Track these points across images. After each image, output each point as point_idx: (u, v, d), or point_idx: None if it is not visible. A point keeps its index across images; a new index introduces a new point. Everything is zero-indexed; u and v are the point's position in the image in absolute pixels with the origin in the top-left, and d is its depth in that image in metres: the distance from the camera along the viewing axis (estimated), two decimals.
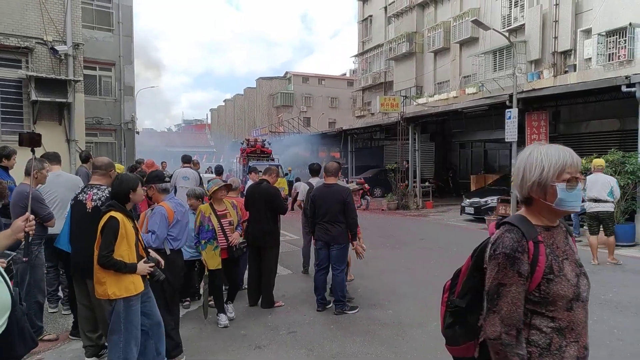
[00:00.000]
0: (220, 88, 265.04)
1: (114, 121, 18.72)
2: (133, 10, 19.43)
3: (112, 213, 3.53)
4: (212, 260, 5.23)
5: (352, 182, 17.41)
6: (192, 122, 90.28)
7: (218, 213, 5.36)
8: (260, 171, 10.18)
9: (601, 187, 8.47)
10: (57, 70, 10.39)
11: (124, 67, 18.85)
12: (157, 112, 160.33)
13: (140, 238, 3.77)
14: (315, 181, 7.49)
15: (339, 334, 5.10)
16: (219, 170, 12.08)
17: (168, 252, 4.25)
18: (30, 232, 2.50)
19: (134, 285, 3.57)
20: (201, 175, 13.31)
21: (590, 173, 8.89)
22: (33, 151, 3.09)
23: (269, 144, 26.23)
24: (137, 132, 21.09)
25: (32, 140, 2.94)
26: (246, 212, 6.15)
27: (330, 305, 5.85)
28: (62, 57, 10.42)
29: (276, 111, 53.75)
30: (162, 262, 3.86)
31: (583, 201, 6.23)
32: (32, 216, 2.50)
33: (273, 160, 24.70)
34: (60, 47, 10.31)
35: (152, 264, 3.69)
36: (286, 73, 57.23)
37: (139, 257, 3.65)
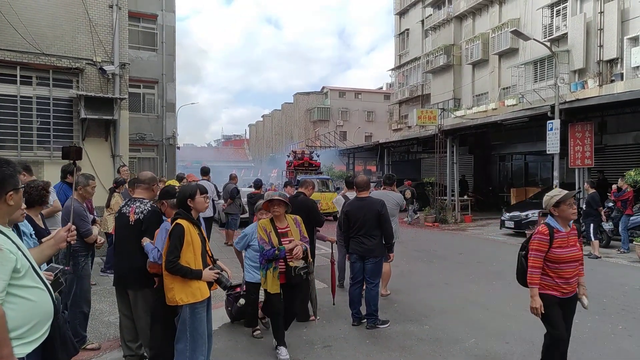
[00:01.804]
0: (259, 104, 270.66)
1: (156, 137, 19.37)
2: (176, 31, 20.19)
3: (179, 220, 3.68)
4: (272, 284, 4.69)
5: (405, 189, 17.46)
6: (231, 137, 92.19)
7: (279, 231, 4.74)
8: (296, 185, 10.39)
9: None
10: (105, 89, 10.88)
11: (166, 85, 19.54)
12: (197, 127, 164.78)
13: (208, 246, 3.90)
14: (352, 195, 7.50)
15: (375, 349, 5.06)
16: (257, 184, 12.25)
17: None
18: (72, 242, 2.60)
19: (200, 291, 3.67)
20: (240, 189, 13.61)
21: None
22: (75, 163, 3.33)
23: (318, 156, 25.69)
24: (178, 148, 21.74)
25: (73, 154, 3.18)
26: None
27: (364, 319, 5.81)
28: (110, 77, 10.92)
29: (313, 126, 54.14)
30: (229, 271, 3.99)
31: None
32: (73, 227, 2.61)
33: (321, 173, 24.14)
34: (108, 67, 10.80)
35: (218, 271, 3.79)
36: (323, 88, 57.68)
37: (206, 266, 3.75)
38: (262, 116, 76.31)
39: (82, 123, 10.64)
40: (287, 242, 4.68)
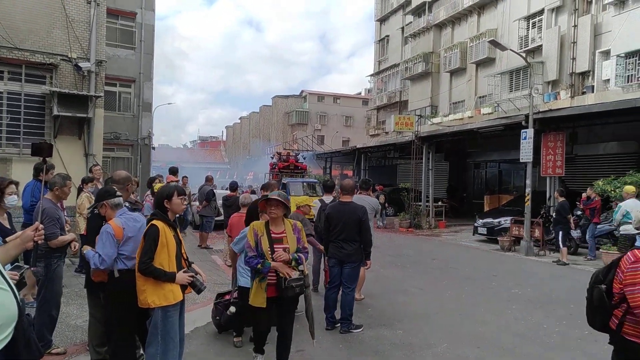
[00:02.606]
0: (238, 106, 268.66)
1: (131, 136, 19.05)
2: (155, 30, 19.95)
3: (154, 221, 3.61)
4: (256, 295, 4.06)
5: (379, 194, 17.42)
6: (208, 138, 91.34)
7: (273, 236, 4.10)
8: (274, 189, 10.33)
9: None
10: (80, 87, 10.66)
11: (143, 84, 19.26)
12: (173, 128, 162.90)
13: (183, 249, 3.82)
14: (330, 199, 7.50)
15: (348, 354, 5.06)
16: (233, 187, 12.12)
17: (117, 273, 3.78)
18: (39, 242, 2.53)
19: (173, 294, 3.60)
20: (215, 191, 13.48)
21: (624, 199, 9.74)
22: (45, 161, 3.24)
23: (304, 159, 24.40)
24: (153, 148, 21.43)
25: (42, 150, 3.10)
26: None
27: (338, 324, 5.81)
28: (85, 74, 10.70)
29: (291, 129, 54.12)
30: (204, 275, 3.90)
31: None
32: (41, 226, 2.54)
33: (308, 176, 22.71)
34: (83, 64, 10.58)
35: (192, 274, 3.71)
36: (302, 91, 57.77)
37: (180, 268, 3.68)
38: (240, 118, 75.95)
39: (54, 120, 10.39)
40: (281, 249, 4.04)
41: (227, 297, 5.57)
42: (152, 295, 3.53)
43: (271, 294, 4.04)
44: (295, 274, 4.01)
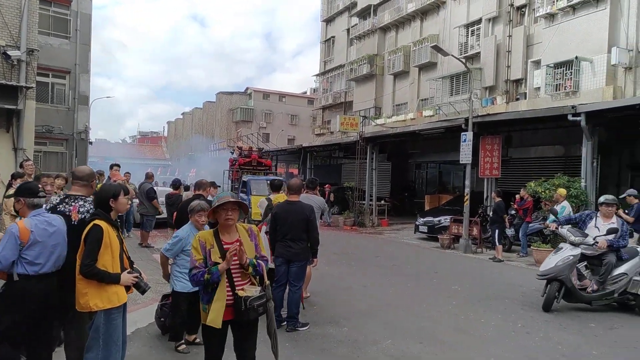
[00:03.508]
0: (180, 101, 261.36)
1: (66, 130, 18.09)
2: (92, 19, 19.00)
3: (96, 221, 3.45)
4: (213, 313, 3.24)
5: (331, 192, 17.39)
6: (148, 134, 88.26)
7: (225, 246, 3.33)
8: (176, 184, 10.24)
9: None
10: (9, 76, 9.99)
11: (79, 76, 18.33)
12: (111, 122, 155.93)
13: (125, 249, 3.69)
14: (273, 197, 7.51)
15: (295, 352, 5.07)
16: (176, 185, 11.75)
17: (16, 277, 3.47)
18: None
19: (117, 296, 3.46)
20: (156, 189, 13.04)
21: (556, 201, 10.46)
22: None
23: (269, 155, 22.55)
24: (90, 143, 20.44)
25: None
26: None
27: (284, 322, 5.80)
28: (15, 63, 10.03)
29: (235, 126, 53.41)
30: (145, 275, 3.76)
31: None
32: None
33: (274, 174, 21.05)
34: (13, 52, 9.93)
35: (137, 275, 3.60)
36: (247, 89, 57.14)
37: (123, 269, 3.56)
38: (182, 114, 74.00)
39: None
40: (237, 264, 3.29)
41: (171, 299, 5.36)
42: (94, 299, 3.37)
43: (228, 316, 3.28)
44: (254, 291, 3.28)
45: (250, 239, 3.48)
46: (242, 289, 3.28)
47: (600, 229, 6.85)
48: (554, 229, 7.21)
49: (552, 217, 8.53)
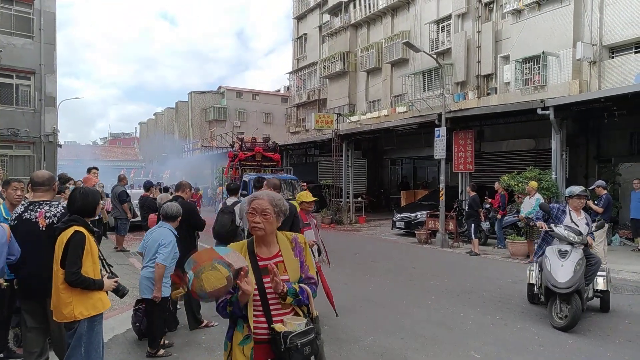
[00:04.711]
0: (152, 102, 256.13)
1: (33, 133, 17.56)
2: (56, 17, 18.47)
3: (77, 228, 3.37)
4: (236, 356, 2.41)
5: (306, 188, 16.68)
6: (120, 135, 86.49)
7: (260, 264, 2.45)
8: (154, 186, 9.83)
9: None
10: None
11: (45, 76, 17.80)
12: (81, 124, 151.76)
13: (101, 254, 3.65)
14: (232, 201, 6.99)
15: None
16: (147, 186, 11.53)
17: None
18: None
19: (102, 302, 3.42)
20: (131, 191, 12.77)
21: (528, 193, 10.57)
22: None
23: (276, 147, 18.78)
24: (59, 145, 19.87)
25: None
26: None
27: None
28: None
29: (209, 125, 52.74)
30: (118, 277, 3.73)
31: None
32: None
33: (285, 171, 17.90)
34: None
35: (117, 279, 3.58)
36: (219, 87, 56.47)
37: (101, 274, 3.54)
38: (154, 114, 72.67)
39: None
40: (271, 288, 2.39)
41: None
42: (79, 307, 3.31)
43: (264, 358, 2.41)
44: (297, 324, 2.35)
45: (294, 253, 2.55)
46: (282, 321, 2.38)
47: (578, 224, 6.20)
48: (547, 229, 6.23)
49: (567, 218, 6.49)
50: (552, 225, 6.24)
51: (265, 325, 2.37)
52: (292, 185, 14.42)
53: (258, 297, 2.38)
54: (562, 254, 5.98)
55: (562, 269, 5.81)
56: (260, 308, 2.39)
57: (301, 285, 2.47)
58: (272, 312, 2.40)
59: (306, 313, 2.50)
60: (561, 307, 5.81)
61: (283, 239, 2.59)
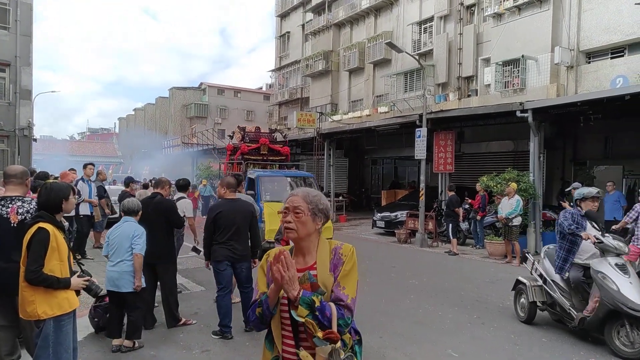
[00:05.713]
0: (132, 97, 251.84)
1: (7, 127, 17.14)
2: (33, 9, 18.04)
3: (41, 224, 3.24)
4: None
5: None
6: (98, 130, 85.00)
7: (299, 274, 2.03)
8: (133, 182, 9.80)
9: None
10: None
11: (20, 69, 17.39)
12: (58, 119, 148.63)
13: (72, 251, 3.51)
14: (178, 196, 7.15)
15: (255, 352, 5.00)
16: (127, 182, 11.36)
17: None
18: None
19: (68, 301, 3.29)
20: (106, 187, 12.54)
21: (508, 194, 10.73)
22: None
23: (285, 139, 17.08)
24: (35, 140, 19.43)
25: None
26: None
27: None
28: None
29: (189, 122, 52.24)
30: (95, 280, 3.64)
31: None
32: None
33: (295, 167, 15.92)
34: None
35: (88, 278, 3.46)
36: (201, 84, 55.97)
37: (72, 272, 3.40)
38: (134, 109, 71.67)
39: None
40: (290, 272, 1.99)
41: (107, 299, 5.20)
42: (42, 306, 3.20)
43: None
44: (324, 352, 1.89)
45: (330, 267, 2.13)
46: (308, 346, 1.98)
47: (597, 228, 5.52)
48: (593, 242, 5.24)
49: (589, 225, 5.58)
50: (598, 234, 5.35)
51: (294, 350, 2.00)
52: (308, 185, 12.25)
53: (287, 315, 2.00)
54: (622, 269, 5.08)
55: (633, 287, 4.90)
56: (290, 328, 2.03)
57: (323, 302, 1.96)
58: (301, 336, 2.00)
59: (347, 342, 2.04)
60: (633, 333, 4.82)
61: (324, 248, 2.18)
